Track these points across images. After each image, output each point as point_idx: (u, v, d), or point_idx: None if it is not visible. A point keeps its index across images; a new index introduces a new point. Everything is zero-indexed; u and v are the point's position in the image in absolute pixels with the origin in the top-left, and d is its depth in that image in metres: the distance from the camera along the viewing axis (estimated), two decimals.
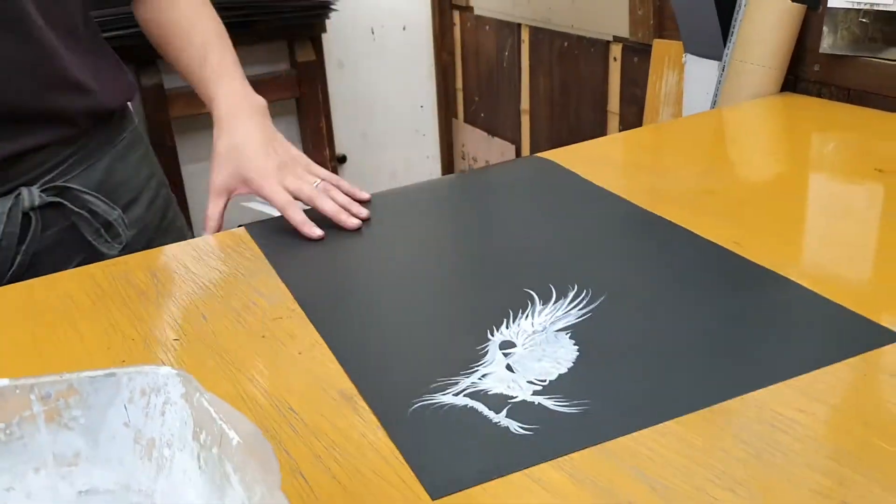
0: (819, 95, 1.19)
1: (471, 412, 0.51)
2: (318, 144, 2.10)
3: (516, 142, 2.10)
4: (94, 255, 0.81)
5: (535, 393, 0.53)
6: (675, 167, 0.94)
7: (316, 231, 0.77)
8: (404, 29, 2.29)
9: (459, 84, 2.33)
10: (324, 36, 2.08)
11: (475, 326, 0.61)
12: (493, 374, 0.55)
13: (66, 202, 0.79)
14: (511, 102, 2.08)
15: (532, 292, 0.65)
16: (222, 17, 1.87)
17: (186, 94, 1.92)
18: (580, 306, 0.63)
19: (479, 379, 0.55)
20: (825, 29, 1.14)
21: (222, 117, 0.84)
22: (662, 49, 1.49)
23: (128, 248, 0.82)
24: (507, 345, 0.58)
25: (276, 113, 2.15)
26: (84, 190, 0.80)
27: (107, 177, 0.84)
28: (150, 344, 0.62)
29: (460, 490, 0.45)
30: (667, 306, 0.62)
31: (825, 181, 0.92)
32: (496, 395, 0.53)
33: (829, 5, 1.13)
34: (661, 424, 0.48)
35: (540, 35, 1.89)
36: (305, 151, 2.17)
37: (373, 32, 2.25)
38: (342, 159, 2.31)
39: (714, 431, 0.47)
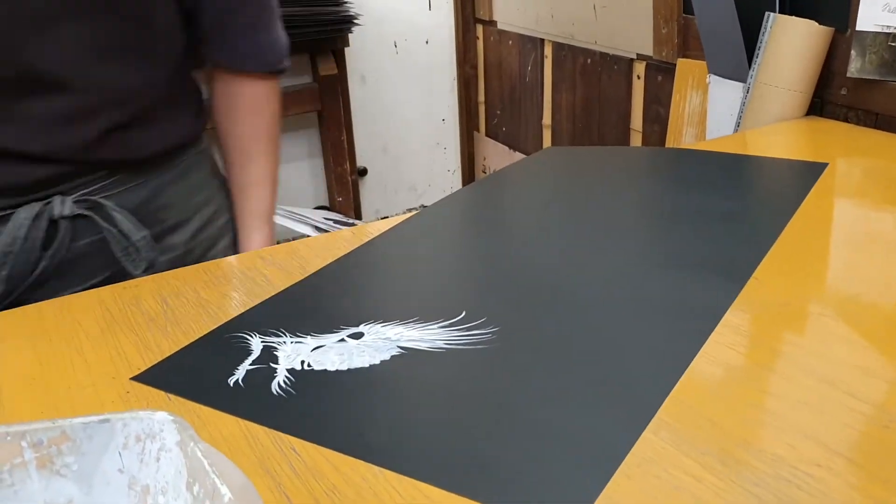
0: (846, 120, 1.17)
1: (243, 353, 0.62)
2: (339, 157, 2.10)
3: None
4: (122, 273, 0.82)
5: (290, 370, 0.59)
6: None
7: None
8: (427, 43, 2.29)
9: (481, 98, 2.33)
10: (346, 49, 2.08)
11: (363, 314, 0.67)
12: (301, 345, 0.63)
13: (95, 216, 0.80)
14: (533, 117, 2.07)
15: (439, 309, 0.68)
16: None
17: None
18: (453, 340, 0.63)
19: (291, 343, 0.63)
20: (853, 52, 1.12)
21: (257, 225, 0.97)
22: (686, 68, 1.47)
23: (158, 270, 0.82)
24: (356, 335, 0.64)
25: (297, 126, 2.18)
26: (115, 208, 0.81)
27: (151, 198, 0.85)
28: None
29: (154, 385, 0.58)
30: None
31: (850, 209, 0.90)
32: (274, 356, 0.61)
33: (857, 28, 1.11)
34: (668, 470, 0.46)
35: (563, 51, 1.88)
36: (326, 165, 2.18)
37: (396, 46, 2.25)
38: (363, 172, 2.31)
39: (725, 485, 0.46)
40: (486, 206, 0.97)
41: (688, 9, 1.47)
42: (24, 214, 0.77)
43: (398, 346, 0.62)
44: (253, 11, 0.87)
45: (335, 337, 0.64)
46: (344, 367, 0.60)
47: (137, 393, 0.58)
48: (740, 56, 1.26)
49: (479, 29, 2.25)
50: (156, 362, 0.62)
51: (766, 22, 1.20)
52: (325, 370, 0.60)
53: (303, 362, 0.61)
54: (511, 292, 0.71)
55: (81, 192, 0.81)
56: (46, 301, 0.75)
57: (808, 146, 1.14)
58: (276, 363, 0.61)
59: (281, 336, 0.65)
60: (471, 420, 0.53)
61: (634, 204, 0.95)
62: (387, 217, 2.33)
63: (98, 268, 0.83)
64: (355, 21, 1.98)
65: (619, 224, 0.88)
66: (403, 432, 0.53)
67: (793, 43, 1.17)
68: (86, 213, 0.80)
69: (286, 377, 0.59)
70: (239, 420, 0.54)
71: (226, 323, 0.67)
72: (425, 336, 0.64)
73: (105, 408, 0.57)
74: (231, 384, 0.58)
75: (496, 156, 2.31)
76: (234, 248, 0.97)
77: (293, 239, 2.25)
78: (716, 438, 0.49)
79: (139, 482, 0.40)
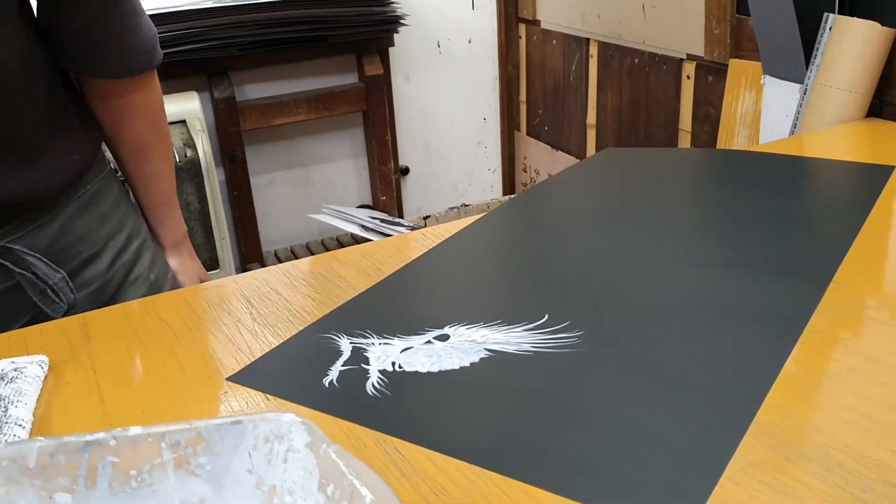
0: None
1: (334, 354, 0.63)
2: (383, 156, 2.12)
3: (581, 156, 2.09)
4: (42, 315, 0.79)
5: (382, 371, 0.61)
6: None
7: None
8: (470, 42, 2.29)
9: (523, 97, 2.33)
10: (391, 49, 2.10)
11: (447, 316, 0.68)
12: (390, 346, 0.64)
13: (7, 263, 0.77)
14: (576, 117, 2.07)
15: (522, 311, 0.68)
16: (295, 32, 1.91)
17: (258, 106, 1.94)
18: (541, 343, 0.64)
19: (379, 344, 0.64)
20: None
21: (169, 246, 0.99)
22: (739, 69, 1.46)
23: (79, 309, 0.80)
24: (442, 337, 0.65)
25: (342, 125, 2.19)
26: (27, 251, 0.78)
27: (61, 234, 0.81)
28: None
29: (250, 385, 0.60)
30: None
31: None
32: (365, 357, 0.63)
33: None
34: (772, 477, 0.47)
35: (609, 50, 1.87)
36: (370, 163, 2.19)
37: (439, 46, 2.26)
38: (405, 171, 2.32)
39: (831, 492, 0.46)
40: (552, 208, 0.98)
41: (741, 9, 1.47)
42: None
43: (485, 349, 0.63)
44: (114, 17, 0.80)
45: (421, 339, 0.65)
46: (434, 369, 0.61)
47: (235, 393, 0.60)
48: (797, 57, 1.26)
49: (522, 28, 2.25)
50: (248, 363, 0.63)
51: (825, 23, 1.20)
52: (417, 371, 0.61)
53: (393, 364, 0.62)
54: (591, 296, 0.71)
55: None
56: (133, 301, 0.76)
57: (869, 149, 1.13)
58: (368, 364, 0.62)
59: (368, 337, 0.66)
60: (569, 423, 0.54)
61: (703, 206, 0.95)
62: (428, 216, 2.34)
63: (14, 314, 0.79)
64: (402, 21, 1.99)
65: (690, 227, 0.88)
66: (502, 434, 0.53)
67: (853, 44, 1.16)
68: None
69: (379, 378, 0.60)
70: (338, 420, 0.55)
71: (313, 324, 0.68)
72: (511, 339, 0.64)
73: (203, 409, 0.58)
74: (326, 384, 0.59)
75: (538, 155, 2.31)
76: (156, 262, 0.93)
77: (337, 238, 2.26)
78: (818, 443, 0.50)
79: (266, 482, 0.42)
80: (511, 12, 2.26)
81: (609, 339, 0.64)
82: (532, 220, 0.94)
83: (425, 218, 2.28)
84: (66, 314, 0.79)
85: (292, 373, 0.62)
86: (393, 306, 0.72)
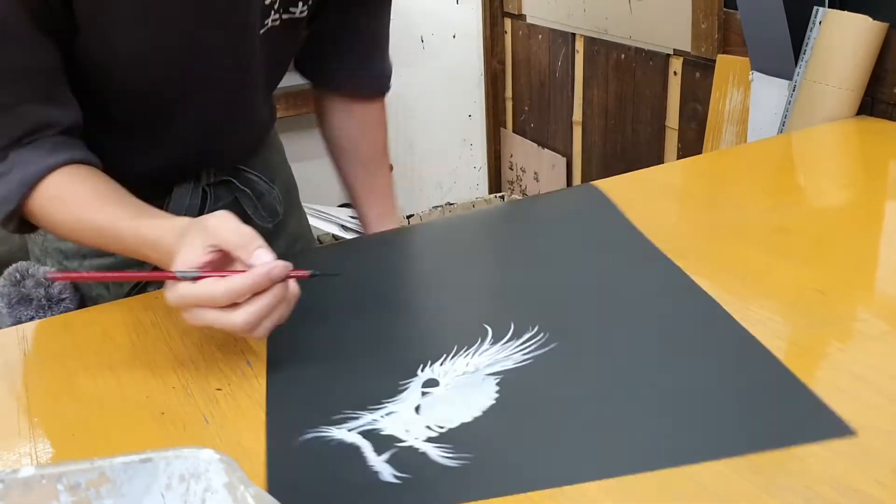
0: None
1: (353, 451, 0.51)
2: None
3: (567, 154, 2.04)
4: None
5: (428, 440, 0.51)
6: (743, 201, 0.88)
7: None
8: (454, 37, 2.25)
9: (509, 93, 2.28)
10: None
11: (409, 360, 0.60)
12: (397, 414, 0.54)
13: (234, 180, 0.91)
14: (563, 113, 2.03)
15: (488, 327, 0.64)
16: None
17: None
18: (527, 350, 0.60)
19: (382, 417, 0.54)
20: None
21: None
22: (727, 65, 1.42)
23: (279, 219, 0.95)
24: (430, 383, 0.57)
25: None
26: (250, 171, 0.93)
27: (257, 161, 0.97)
28: (192, 393, 0.58)
29: None
30: (627, 367, 0.58)
31: None
32: (387, 436, 0.52)
33: None
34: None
35: (595, 46, 1.83)
36: None
37: (422, 41, 2.21)
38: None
39: None
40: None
41: (729, 3, 1.43)
42: (182, 189, 0.87)
43: (486, 375, 0.57)
44: (369, 42, 0.96)
45: (413, 392, 0.56)
46: (472, 416, 0.53)
47: (173, 415, 0.55)
48: (786, 52, 1.22)
49: (508, 23, 2.21)
50: (191, 378, 0.59)
51: (815, 17, 1.16)
52: (463, 423, 0.53)
53: (428, 427, 0.53)
54: (545, 302, 0.68)
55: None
56: (75, 311, 0.72)
57: (859, 147, 1.09)
58: (400, 442, 0.51)
59: (359, 417, 0.54)
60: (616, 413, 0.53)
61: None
62: (412, 215, 2.29)
63: None
64: None
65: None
66: (585, 440, 0.51)
67: (844, 39, 1.12)
68: (227, 178, 0.91)
69: (436, 447, 0.51)
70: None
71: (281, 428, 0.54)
72: (496, 357, 0.60)
73: (137, 432, 0.54)
74: (382, 480, 0.48)
75: (524, 153, 2.27)
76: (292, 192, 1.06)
77: (319, 238, 2.21)
78: (799, 474, 0.46)
79: None
80: (496, 6, 2.22)
81: (572, 335, 0.62)
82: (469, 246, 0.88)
83: (409, 217, 2.23)
84: (274, 225, 0.94)
85: (325, 482, 0.49)
86: (365, 364, 0.61)
